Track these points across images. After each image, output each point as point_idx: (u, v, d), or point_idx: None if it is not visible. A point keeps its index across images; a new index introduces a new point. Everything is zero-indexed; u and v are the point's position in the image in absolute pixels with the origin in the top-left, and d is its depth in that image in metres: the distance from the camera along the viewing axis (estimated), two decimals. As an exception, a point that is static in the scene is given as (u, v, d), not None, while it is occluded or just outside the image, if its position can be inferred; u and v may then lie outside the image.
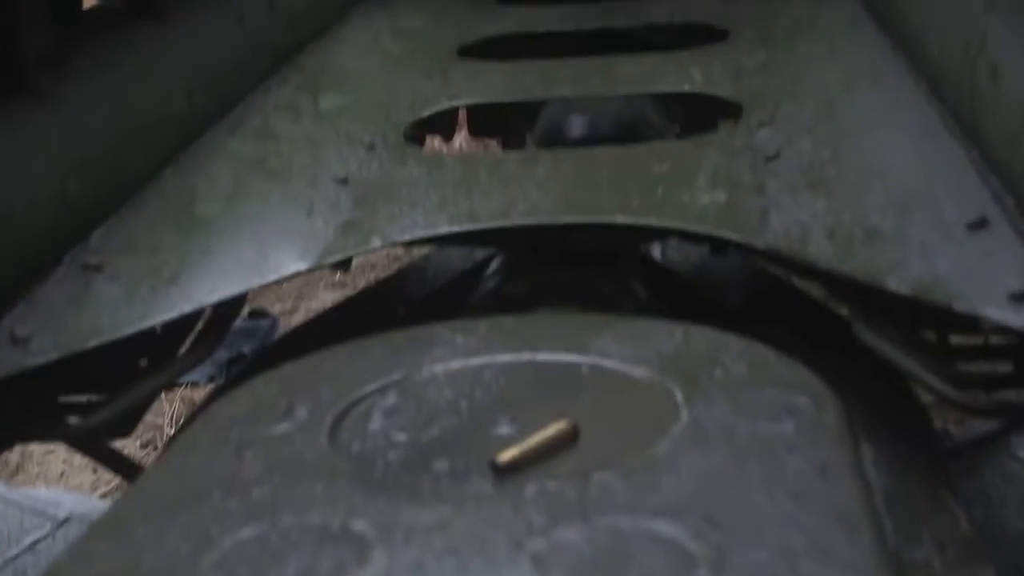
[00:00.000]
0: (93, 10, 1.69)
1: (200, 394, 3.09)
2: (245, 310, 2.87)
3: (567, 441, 0.78)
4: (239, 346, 3.31)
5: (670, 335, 0.98)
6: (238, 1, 1.86)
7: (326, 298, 3.69)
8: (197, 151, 1.61)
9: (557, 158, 1.67)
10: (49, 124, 1.35)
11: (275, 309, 3.72)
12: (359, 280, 3.62)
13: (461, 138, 3.29)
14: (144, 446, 3.03)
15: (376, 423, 0.86)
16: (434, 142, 2.66)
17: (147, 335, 1.29)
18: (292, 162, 1.64)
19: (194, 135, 1.63)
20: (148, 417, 2.03)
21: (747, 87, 1.84)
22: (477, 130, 2.96)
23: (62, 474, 2.99)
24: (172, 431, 2.94)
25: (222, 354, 3.17)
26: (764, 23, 2.15)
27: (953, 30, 1.36)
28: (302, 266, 1.36)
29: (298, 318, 3.59)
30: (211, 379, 3.19)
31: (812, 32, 1.98)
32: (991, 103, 1.23)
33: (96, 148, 1.41)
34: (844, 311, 1.31)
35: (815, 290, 1.71)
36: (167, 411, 3.16)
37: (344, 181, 1.56)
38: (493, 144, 3.21)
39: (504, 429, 0.83)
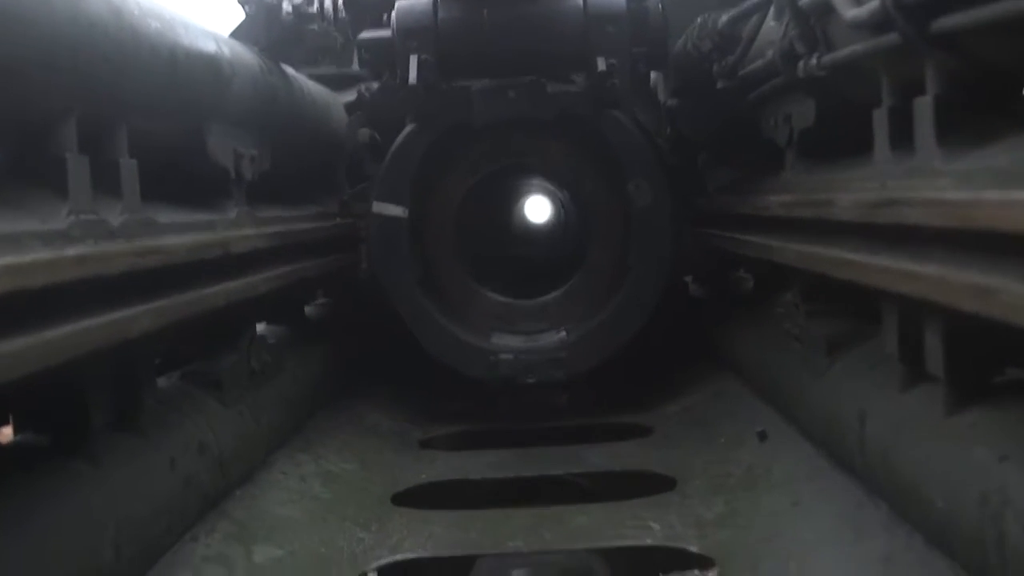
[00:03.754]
0: (12, 446, 1.53)
1: None
2: None
3: None
4: None
5: None
6: (169, 445, 1.72)
7: None
8: None
9: None
10: None
11: None
12: None
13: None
14: None
15: None
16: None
17: None
18: None
19: None
20: None
21: (715, 541, 1.74)
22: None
23: None
24: None
25: None
26: (713, 471, 2.09)
27: (965, 480, 1.29)
28: None
29: None
30: None
31: (769, 482, 1.91)
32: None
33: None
34: None
35: None
36: None
37: None
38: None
39: None
